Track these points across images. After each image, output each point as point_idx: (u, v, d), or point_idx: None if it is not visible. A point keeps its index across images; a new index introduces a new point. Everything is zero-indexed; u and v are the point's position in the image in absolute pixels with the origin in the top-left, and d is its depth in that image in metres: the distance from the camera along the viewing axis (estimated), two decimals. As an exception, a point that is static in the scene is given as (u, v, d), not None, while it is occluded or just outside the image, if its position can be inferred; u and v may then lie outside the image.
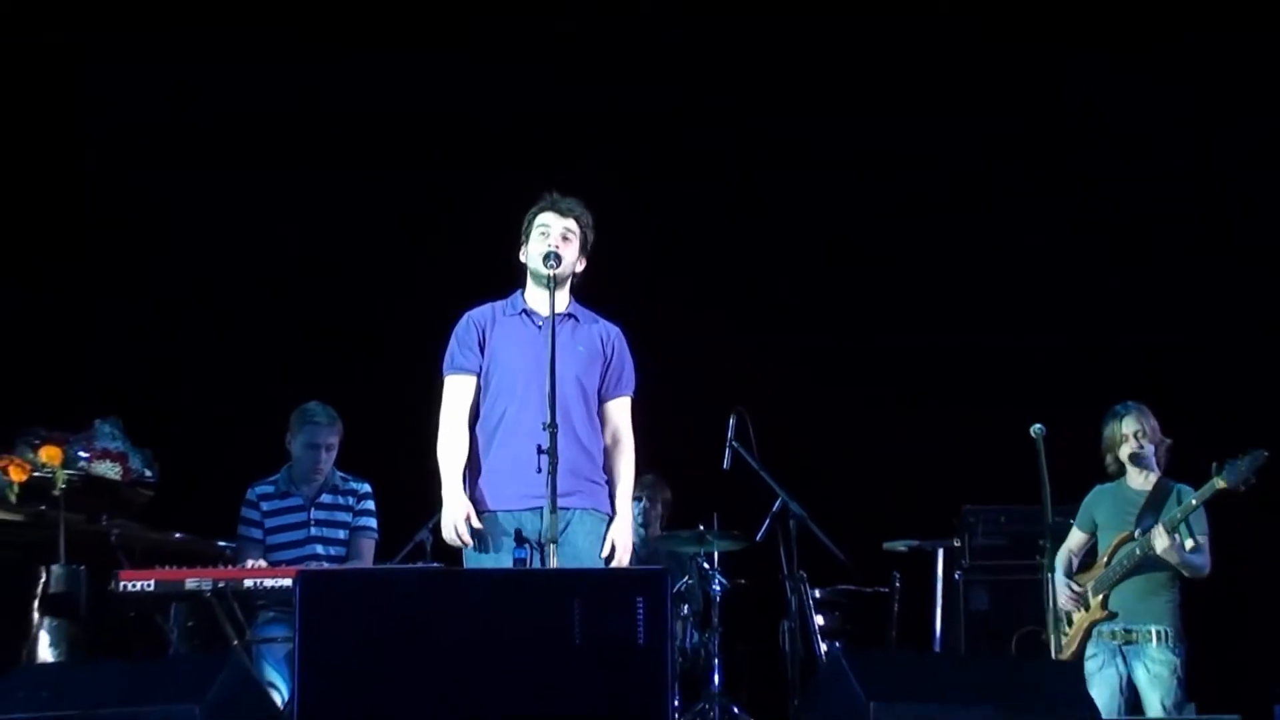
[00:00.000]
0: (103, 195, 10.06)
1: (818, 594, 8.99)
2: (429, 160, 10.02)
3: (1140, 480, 7.75)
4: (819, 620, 8.93)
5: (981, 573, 9.10)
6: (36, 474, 7.46)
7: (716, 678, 8.60)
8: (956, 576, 9.13)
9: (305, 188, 10.03)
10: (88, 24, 9.85)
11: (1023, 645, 8.36)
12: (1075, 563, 7.90)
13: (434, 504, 6.82)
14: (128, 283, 9.84)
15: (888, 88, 10.08)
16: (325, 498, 8.07)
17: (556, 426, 6.24)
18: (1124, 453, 7.75)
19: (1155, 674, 7.52)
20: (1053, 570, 7.84)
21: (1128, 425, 7.75)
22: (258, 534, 8.03)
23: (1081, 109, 10.11)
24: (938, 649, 8.98)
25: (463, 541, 6.47)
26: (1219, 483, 7.38)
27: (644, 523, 8.89)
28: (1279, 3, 9.52)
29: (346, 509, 8.09)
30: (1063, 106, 10.13)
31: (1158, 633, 7.54)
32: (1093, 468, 8.10)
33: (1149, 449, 7.72)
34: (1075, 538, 7.92)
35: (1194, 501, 7.46)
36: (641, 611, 5.14)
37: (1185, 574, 7.56)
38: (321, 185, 10.05)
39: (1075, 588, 7.79)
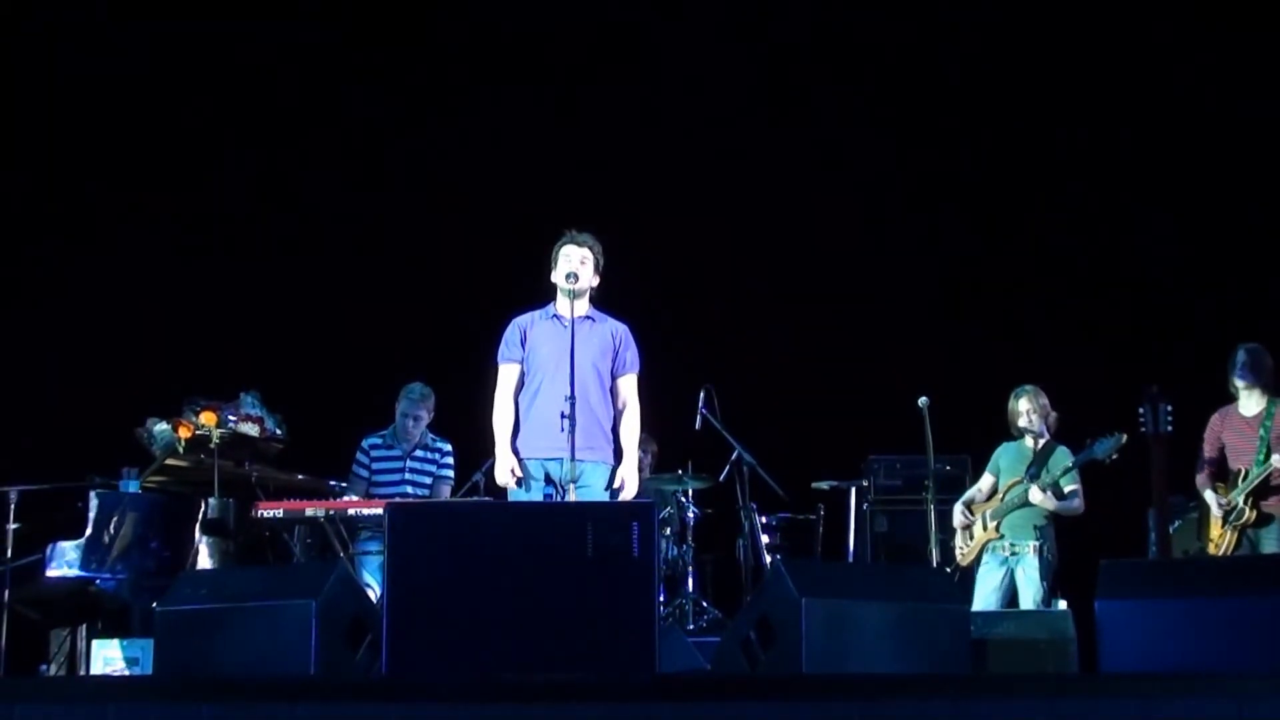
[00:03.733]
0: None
1: (764, 520, 8.99)
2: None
3: (1033, 442, 7.70)
4: (765, 538, 8.95)
5: (882, 505, 9.05)
6: (198, 432, 7.49)
7: (690, 581, 8.64)
8: (864, 507, 9.08)
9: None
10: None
11: (944, 550, 8.35)
12: (978, 497, 7.86)
13: (484, 453, 6.87)
14: (269, 285, 9.84)
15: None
16: (418, 452, 8.08)
17: (576, 399, 6.30)
18: (1019, 424, 7.71)
19: (1029, 577, 7.50)
20: (934, 503, 7.86)
21: (1022, 404, 7.69)
22: (364, 474, 8.04)
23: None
24: (850, 560, 8.97)
25: (510, 485, 6.54)
26: (1088, 454, 7.40)
27: (639, 468, 8.88)
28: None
29: (432, 462, 8.10)
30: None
31: (1034, 547, 7.51)
32: (971, 426, 8.13)
33: (1037, 422, 7.67)
34: (985, 480, 7.87)
35: (1068, 464, 7.49)
36: (636, 532, 5.14)
37: (1063, 515, 7.56)
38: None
39: (968, 516, 7.79)
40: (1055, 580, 7.55)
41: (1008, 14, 9.55)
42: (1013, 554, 7.60)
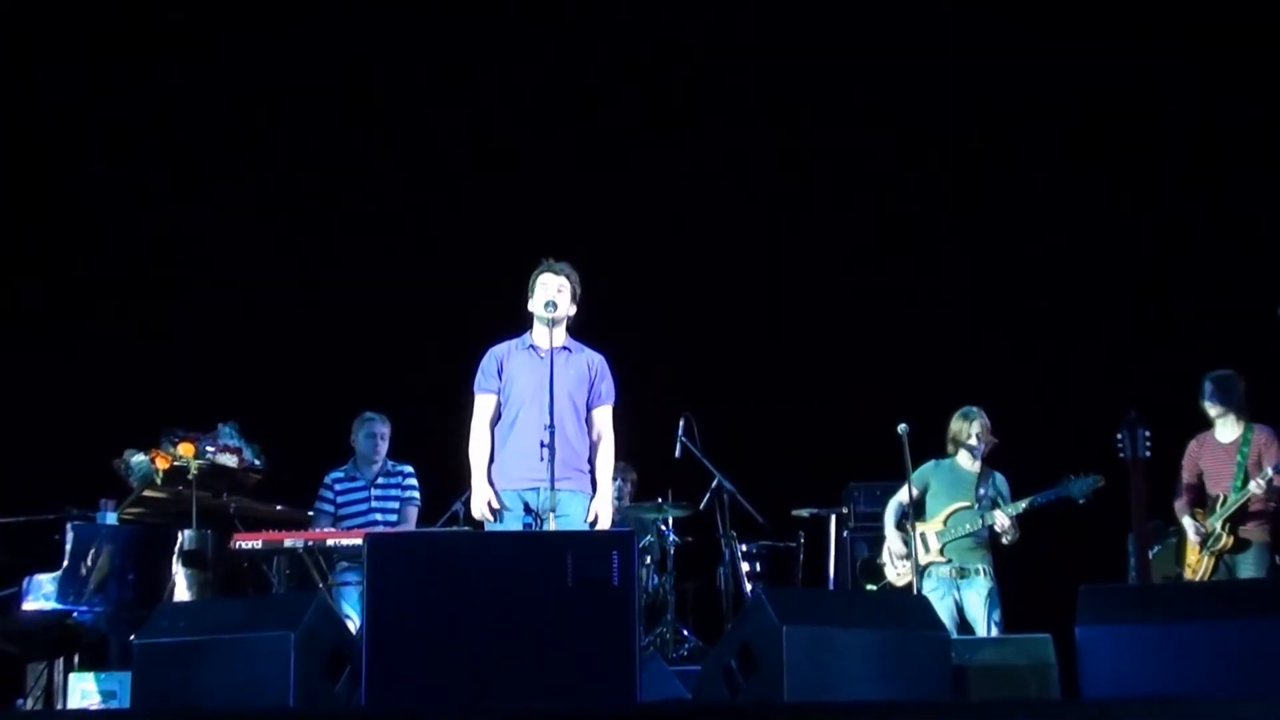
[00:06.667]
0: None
1: (744, 547, 8.99)
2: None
3: (969, 464, 7.73)
4: (745, 566, 8.95)
5: (863, 531, 9.00)
6: (176, 463, 7.46)
7: (671, 609, 8.62)
8: (844, 534, 9.06)
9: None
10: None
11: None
12: (902, 512, 7.81)
13: (463, 483, 6.83)
14: (247, 316, 9.82)
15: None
16: (381, 480, 8.09)
17: (554, 428, 6.30)
18: (968, 444, 7.72)
19: (980, 599, 7.53)
20: (913, 529, 7.83)
21: (974, 426, 7.71)
22: (329, 509, 8.05)
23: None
24: (831, 587, 8.97)
25: (487, 518, 6.51)
26: (1064, 491, 7.42)
27: (618, 496, 8.88)
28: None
29: (397, 486, 8.11)
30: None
31: (982, 569, 7.57)
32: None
33: (984, 445, 7.72)
34: (907, 494, 7.79)
35: (1040, 501, 7.49)
36: (616, 561, 5.13)
37: (1004, 541, 7.58)
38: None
39: (906, 539, 7.74)
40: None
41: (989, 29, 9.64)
42: (962, 576, 7.59)
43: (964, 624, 7.58)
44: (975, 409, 7.79)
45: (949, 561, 7.63)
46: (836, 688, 5.17)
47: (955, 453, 7.79)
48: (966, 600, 7.58)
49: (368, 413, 8.18)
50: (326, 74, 9.99)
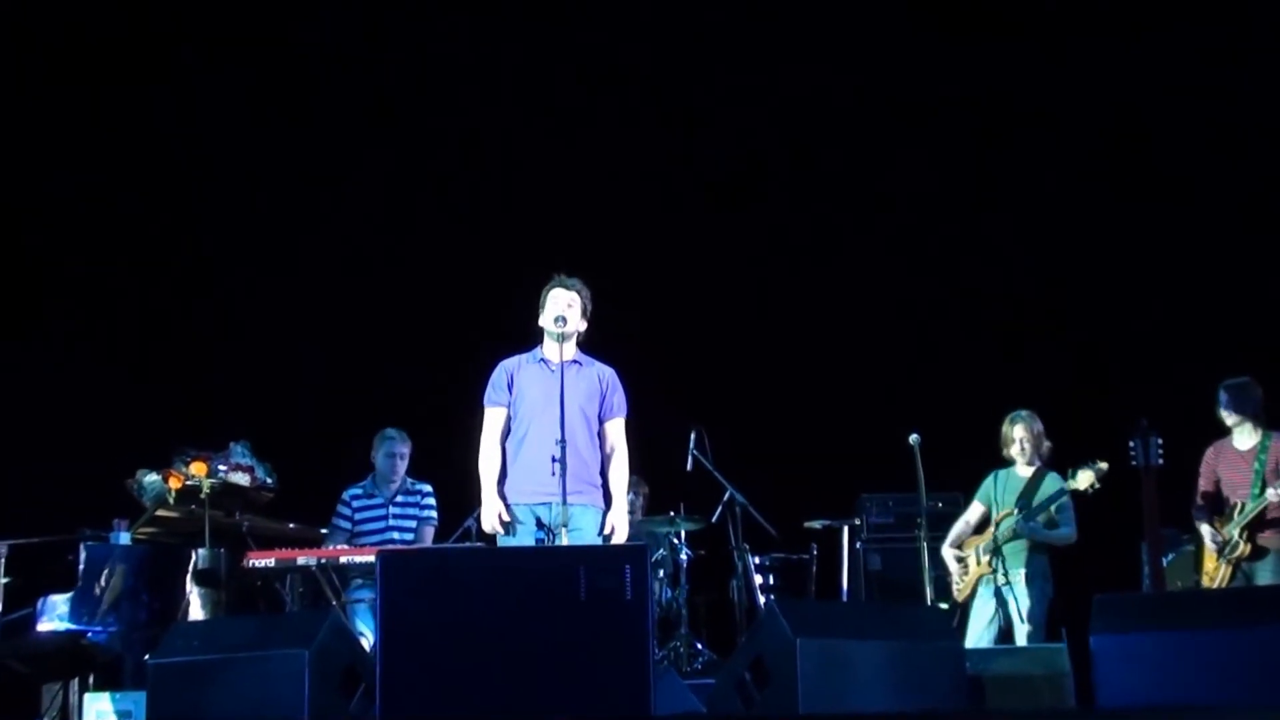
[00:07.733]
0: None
1: (757, 560, 8.98)
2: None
3: (1025, 470, 7.62)
4: (758, 579, 8.94)
5: (876, 543, 9.03)
6: (188, 483, 7.49)
7: (684, 622, 8.62)
8: (858, 546, 9.06)
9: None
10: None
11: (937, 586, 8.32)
12: (966, 530, 7.75)
13: (476, 499, 6.84)
14: (257, 334, 9.86)
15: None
16: (400, 497, 8.08)
17: (565, 443, 6.31)
18: (1013, 451, 7.63)
19: (1021, 605, 7.39)
20: (926, 540, 7.77)
21: (1017, 431, 7.61)
22: (346, 525, 8.04)
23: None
24: (844, 599, 8.95)
25: (497, 530, 6.52)
26: (1070, 484, 7.34)
27: (630, 510, 8.85)
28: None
29: (415, 505, 8.10)
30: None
31: (1027, 575, 7.41)
32: (962, 462, 8.11)
33: (1030, 450, 7.59)
34: (975, 510, 7.76)
35: (1046, 500, 7.41)
36: (629, 575, 5.14)
37: (1057, 545, 7.49)
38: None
39: (959, 555, 7.71)
40: (1052, 612, 7.47)
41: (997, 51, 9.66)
42: (1007, 583, 7.52)
43: (1008, 631, 7.47)
44: (1023, 412, 7.67)
45: (994, 571, 7.56)
46: (850, 700, 5.18)
47: (1011, 461, 7.71)
48: (1009, 607, 7.46)
49: (389, 430, 8.15)
50: (338, 83, 10.02)
